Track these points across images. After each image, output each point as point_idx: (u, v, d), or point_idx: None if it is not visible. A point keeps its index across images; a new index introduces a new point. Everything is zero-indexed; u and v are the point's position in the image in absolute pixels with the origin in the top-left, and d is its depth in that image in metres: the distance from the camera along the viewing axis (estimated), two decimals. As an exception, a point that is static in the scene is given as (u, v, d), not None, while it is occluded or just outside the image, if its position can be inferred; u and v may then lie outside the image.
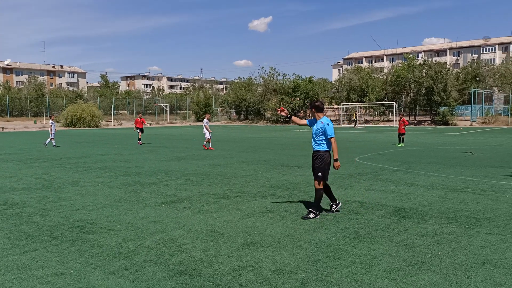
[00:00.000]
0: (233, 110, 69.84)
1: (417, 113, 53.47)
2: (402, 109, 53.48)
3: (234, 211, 6.99)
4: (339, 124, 52.67)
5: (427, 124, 48.44)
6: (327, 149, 6.50)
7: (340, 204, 6.88)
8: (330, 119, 7.47)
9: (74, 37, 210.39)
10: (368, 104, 53.00)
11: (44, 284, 4.11)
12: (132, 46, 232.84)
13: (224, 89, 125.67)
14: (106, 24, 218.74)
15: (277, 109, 7.20)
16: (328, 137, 6.42)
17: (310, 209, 6.48)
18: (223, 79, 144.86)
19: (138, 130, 22.76)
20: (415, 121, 51.19)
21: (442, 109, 47.26)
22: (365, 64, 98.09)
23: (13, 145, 22.62)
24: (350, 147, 19.54)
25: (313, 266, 4.49)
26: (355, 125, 47.29)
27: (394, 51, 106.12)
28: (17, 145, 22.25)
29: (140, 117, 23.84)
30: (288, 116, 6.83)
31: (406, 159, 14.04)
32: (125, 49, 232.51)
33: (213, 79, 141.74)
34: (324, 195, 6.72)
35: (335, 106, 59.48)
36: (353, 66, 79.28)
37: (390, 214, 6.64)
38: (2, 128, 45.29)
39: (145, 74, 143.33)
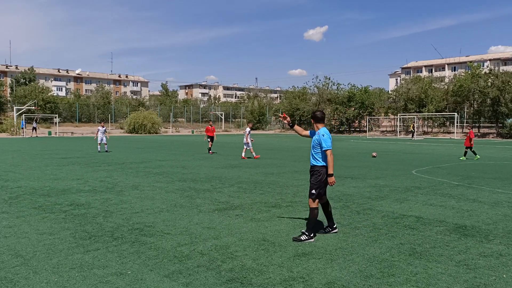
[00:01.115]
0: (287, 119, 69.81)
1: (481, 125, 50.63)
2: (465, 120, 50.85)
3: (286, 220, 7.00)
4: (395, 135, 50.99)
5: (493, 137, 45.68)
6: (324, 164, 5.93)
7: (337, 230, 6.23)
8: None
9: (138, 48, 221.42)
10: (427, 114, 50.94)
11: (104, 283, 4.34)
12: (191, 57, 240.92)
13: (278, 98, 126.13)
14: (168, 36, 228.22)
15: (280, 115, 6.88)
16: (324, 149, 5.88)
17: (303, 231, 5.89)
18: (277, 88, 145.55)
19: (209, 139, 21.54)
20: (479, 133, 48.45)
21: (510, 121, 44.39)
22: (424, 73, 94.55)
23: (81, 149, 24.10)
24: (407, 159, 18.87)
25: (366, 281, 4.39)
26: (412, 136, 45.61)
27: (457, 59, 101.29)
28: (84, 149, 23.69)
29: (211, 125, 22.62)
30: (290, 124, 6.54)
31: (468, 174, 13.33)
32: (185, 59, 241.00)
33: (267, 88, 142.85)
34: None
35: (392, 116, 57.71)
36: (411, 75, 76.63)
37: (449, 231, 6.34)
38: (72, 133, 48.37)
39: (203, 83, 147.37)
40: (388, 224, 6.75)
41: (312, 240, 5.79)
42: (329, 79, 67.90)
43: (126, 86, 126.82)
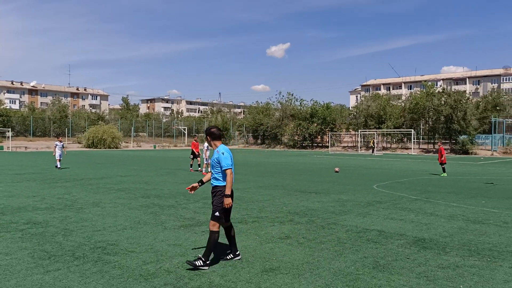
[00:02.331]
0: (250, 134, 70.25)
1: (435, 141, 52.85)
2: (421, 136, 52.93)
3: (252, 236, 7.02)
4: (356, 150, 52.34)
5: (446, 153, 47.75)
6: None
7: (240, 257, 5.71)
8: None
9: (98, 61, 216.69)
10: (386, 131, 52.71)
11: (67, 304, 4.18)
12: (153, 70, 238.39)
13: (242, 113, 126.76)
14: (130, 49, 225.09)
15: (189, 191, 6.07)
16: (223, 168, 5.43)
17: (199, 255, 5.36)
18: (241, 103, 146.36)
19: (192, 156, 20.51)
20: (434, 149, 50.53)
21: (462, 137, 46.65)
22: (382, 91, 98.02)
23: (36, 164, 23.17)
24: (368, 174, 19.40)
25: (332, 295, 4.46)
26: (372, 151, 46.96)
27: (413, 78, 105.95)
28: (39, 165, 22.78)
29: (196, 140, 21.40)
30: (200, 184, 5.95)
31: (425, 188, 13.87)
32: (147, 73, 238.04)
33: (231, 103, 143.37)
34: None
35: (353, 132, 59.28)
36: (370, 92, 79.29)
37: (410, 244, 6.56)
38: (25, 148, 46.42)
39: (165, 97, 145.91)
40: (352, 238, 6.91)
41: (207, 268, 5.25)
42: (292, 95, 69.09)
43: (84, 99, 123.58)
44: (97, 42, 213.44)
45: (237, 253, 5.74)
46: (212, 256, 5.54)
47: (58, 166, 20.47)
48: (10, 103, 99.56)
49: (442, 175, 19.15)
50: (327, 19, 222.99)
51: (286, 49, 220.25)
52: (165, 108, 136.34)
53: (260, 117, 66.07)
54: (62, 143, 21.21)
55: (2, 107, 67.82)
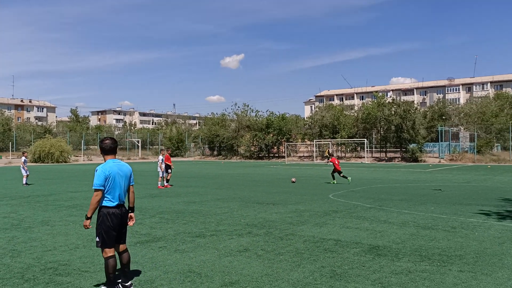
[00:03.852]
0: (206, 146, 69.79)
1: (387, 150, 54.90)
2: (374, 145, 54.80)
3: (211, 250, 6.95)
4: (312, 160, 53.31)
5: (398, 161, 49.69)
6: (106, 204, 4.89)
7: None
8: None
9: (44, 71, 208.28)
10: (340, 140, 54.13)
11: (16, 331, 3.95)
12: (103, 81, 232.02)
13: (197, 124, 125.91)
14: (78, 59, 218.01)
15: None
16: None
17: (103, 286, 5.04)
18: (196, 115, 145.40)
19: (169, 170, 18.83)
20: (386, 158, 52.44)
21: (411, 146, 48.74)
22: (336, 101, 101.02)
23: (-22, 181, 21.79)
24: (324, 183, 19.80)
25: (292, 306, 4.50)
26: (327, 161, 48.06)
27: (364, 89, 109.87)
28: (-18, 182, 21.44)
29: (169, 152, 19.80)
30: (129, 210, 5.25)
31: (378, 196, 14.34)
32: (97, 84, 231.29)
33: (186, 114, 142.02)
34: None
35: (308, 142, 60.41)
36: (324, 103, 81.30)
37: (365, 252, 6.75)
38: (-34, 163, 43.58)
39: (117, 109, 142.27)
40: (309, 249, 7.01)
41: None
42: (248, 106, 69.52)
43: (29, 111, 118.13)
44: (41, 52, 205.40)
45: (127, 284, 4.95)
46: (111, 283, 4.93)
47: (25, 182, 19.35)
48: None
49: (333, 182, 19.88)
50: (279, 31, 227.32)
51: (240, 60, 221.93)
52: (117, 120, 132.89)
53: (216, 128, 65.87)
54: (27, 158, 20.21)
55: None
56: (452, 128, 54.43)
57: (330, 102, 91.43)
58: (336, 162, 20.22)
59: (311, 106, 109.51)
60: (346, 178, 19.77)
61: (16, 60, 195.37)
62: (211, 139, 66.85)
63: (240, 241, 7.56)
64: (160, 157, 18.85)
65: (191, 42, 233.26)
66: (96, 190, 4.84)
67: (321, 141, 54.65)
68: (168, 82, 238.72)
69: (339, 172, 19.97)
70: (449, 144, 51.69)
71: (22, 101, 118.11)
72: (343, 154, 57.24)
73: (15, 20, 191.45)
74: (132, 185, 5.25)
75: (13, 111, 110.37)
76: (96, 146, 72.46)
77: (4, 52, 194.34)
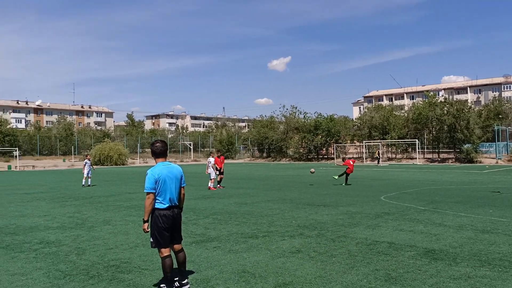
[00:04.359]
0: (256, 148, 70.38)
1: (440, 150, 52.71)
2: (425, 146, 52.83)
3: (264, 251, 7.07)
4: (361, 161, 52.27)
5: (451, 162, 47.57)
6: (157, 207, 5.08)
7: (188, 286, 5.18)
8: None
9: (102, 78, 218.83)
10: (390, 141, 52.65)
11: (86, 322, 4.26)
12: (157, 86, 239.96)
13: (246, 127, 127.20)
14: (132, 65, 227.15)
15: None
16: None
17: (159, 284, 5.26)
18: (245, 117, 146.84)
19: (218, 172, 19.03)
20: (439, 159, 50.36)
21: (466, 146, 46.50)
22: (385, 102, 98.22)
23: (44, 183, 23.35)
24: (375, 185, 19.40)
25: (346, 308, 4.51)
26: (378, 162, 46.88)
27: (414, 89, 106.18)
28: (48, 184, 22.96)
29: (219, 155, 19.91)
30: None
31: (432, 198, 13.87)
32: (150, 89, 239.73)
33: (235, 117, 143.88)
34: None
35: (357, 143, 59.26)
36: (373, 104, 79.41)
37: (420, 256, 6.60)
38: (33, 166, 46.74)
39: (170, 113, 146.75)
40: (362, 251, 6.95)
41: None
42: (296, 108, 69.28)
43: (89, 117, 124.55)
44: (99, 60, 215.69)
45: (183, 281, 5.18)
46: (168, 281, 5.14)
47: (83, 184, 20.66)
48: (16, 122, 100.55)
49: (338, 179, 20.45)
50: (326, 33, 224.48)
51: (287, 63, 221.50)
52: (170, 124, 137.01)
53: (265, 130, 66.23)
54: (90, 161, 21.53)
55: (8, 126, 68.52)
56: (509, 128, 51.38)
57: (379, 102, 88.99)
58: (351, 163, 20.27)
59: (359, 107, 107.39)
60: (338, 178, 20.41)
61: (76, 68, 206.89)
62: (260, 141, 67.33)
63: (292, 243, 7.63)
64: (211, 159, 19.28)
65: (239, 46, 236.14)
66: (147, 193, 5.02)
67: (370, 142, 53.43)
68: (218, 86, 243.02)
69: (347, 175, 19.88)
70: (506, 144, 48.84)
71: (82, 107, 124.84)
72: (393, 155, 55.62)
73: (74, 30, 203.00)
74: (183, 186, 5.39)
75: (74, 116, 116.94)
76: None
77: (65, 61, 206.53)
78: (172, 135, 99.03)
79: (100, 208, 12.65)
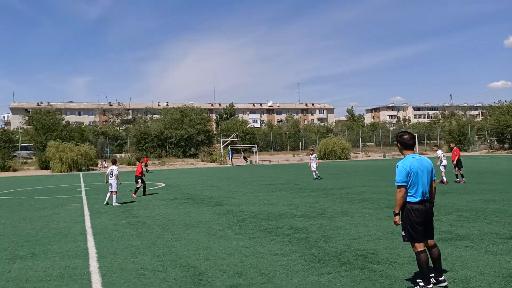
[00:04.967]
0: (494, 139, 61.49)
1: None
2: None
3: (531, 256, 6.07)
4: None
5: None
6: (409, 200, 4.93)
7: (446, 284, 4.95)
8: None
9: (323, 77, 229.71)
10: None
11: (348, 306, 4.50)
12: (374, 79, 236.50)
13: (480, 115, 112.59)
14: (350, 61, 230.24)
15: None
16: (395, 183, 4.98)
17: (415, 278, 5.00)
18: (477, 104, 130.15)
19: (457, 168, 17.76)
20: None
21: None
22: None
23: (281, 176, 25.99)
24: None
25: None
26: None
27: None
28: (284, 176, 25.46)
29: (452, 147, 18.53)
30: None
31: None
32: (368, 83, 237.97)
33: (465, 105, 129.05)
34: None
35: None
36: None
37: None
38: (269, 161, 52.71)
39: (389, 105, 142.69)
40: None
41: None
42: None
43: (313, 114, 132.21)
44: (320, 60, 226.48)
45: (440, 278, 5.01)
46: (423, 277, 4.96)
47: (315, 177, 22.08)
48: (253, 122, 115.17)
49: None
50: None
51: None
52: (391, 116, 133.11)
53: (505, 118, 57.21)
54: (314, 155, 23.01)
55: (247, 126, 79.17)
56: None
57: None
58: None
59: None
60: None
61: (300, 70, 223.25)
62: (499, 131, 58.54)
63: None
64: (440, 152, 18.15)
65: (464, 26, 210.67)
66: (399, 186, 4.92)
67: None
68: (442, 72, 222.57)
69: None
70: None
71: (306, 105, 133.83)
72: None
73: (297, 35, 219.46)
74: (434, 180, 5.12)
75: (300, 114, 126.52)
76: (372, 143, 74.86)
77: (291, 64, 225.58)
78: (393, 127, 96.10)
79: (335, 200, 13.26)
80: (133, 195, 16.20)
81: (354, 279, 5.40)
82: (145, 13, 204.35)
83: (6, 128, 73.59)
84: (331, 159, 52.00)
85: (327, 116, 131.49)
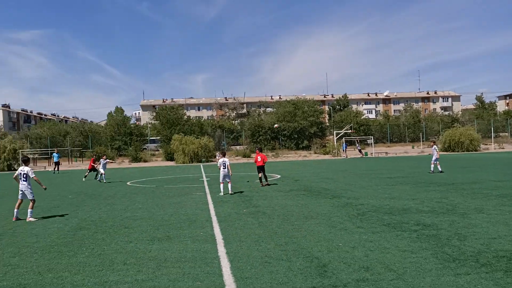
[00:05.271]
0: None
1: None
2: None
3: None
4: None
5: None
6: None
7: None
8: None
9: (445, 62, 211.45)
10: None
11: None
12: (507, 62, 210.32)
13: None
14: (476, 44, 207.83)
15: None
16: None
17: None
18: None
19: None
20: None
21: None
22: None
23: (401, 169, 24.59)
24: None
25: None
26: None
27: None
28: (404, 169, 24.05)
29: None
30: None
31: None
32: (500, 66, 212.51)
33: None
34: None
35: None
36: None
37: None
38: (386, 153, 50.39)
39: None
40: None
41: None
42: None
43: (435, 102, 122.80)
44: (441, 44, 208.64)
45: None
46: None
47: (431, 170, 20.70)
48: (367, 113, 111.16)
49: None
50: None
51: None
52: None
53: None
54: (435, 147, 21.42)
55: (362, 117, 76.58)
56: None
57: None
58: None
59: None
60: None
61: (419, 56, 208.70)
62: None
63: None
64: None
65: None
66: None
67: None
68: None
69: None
70: None
71: (427, 93, 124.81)
72: None
73: (414, 20, 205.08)
74: None
75: (420, 103, 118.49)
76: (506, 133, 66.90)
77: (408, 51, 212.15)
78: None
79: (467, 196, 12.10)
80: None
81: (497, 281, 4.85)
82: (256, 10, 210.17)
83: (137, 123, 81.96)
84: (458, 151, 47.74)
85: (452, 104, 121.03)
